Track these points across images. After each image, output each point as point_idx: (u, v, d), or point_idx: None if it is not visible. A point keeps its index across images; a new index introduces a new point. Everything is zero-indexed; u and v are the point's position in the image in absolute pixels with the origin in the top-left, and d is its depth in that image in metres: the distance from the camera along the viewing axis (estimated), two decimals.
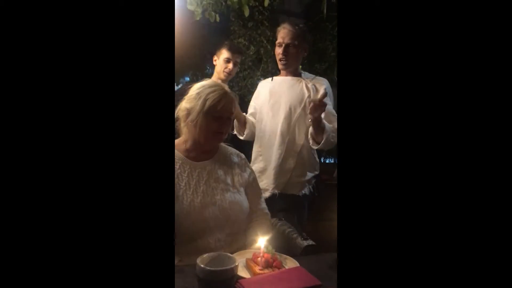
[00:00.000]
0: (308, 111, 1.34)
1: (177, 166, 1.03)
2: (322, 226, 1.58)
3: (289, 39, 1.48)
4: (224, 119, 1.04)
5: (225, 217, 1.01)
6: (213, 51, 1.93)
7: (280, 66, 1.56)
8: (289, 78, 1.56)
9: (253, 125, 1.59)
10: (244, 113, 1.60)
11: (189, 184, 1.01)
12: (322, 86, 1.51)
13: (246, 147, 1.56)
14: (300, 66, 1.65)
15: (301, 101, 1.49)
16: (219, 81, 1.77)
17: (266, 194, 1.49)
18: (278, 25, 1.60)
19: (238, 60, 1.84)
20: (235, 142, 1.43)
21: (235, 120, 1.56)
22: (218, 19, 2.08)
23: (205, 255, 0.78)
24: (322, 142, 1.39)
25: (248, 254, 0.91)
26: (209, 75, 1.99)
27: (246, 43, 2.60)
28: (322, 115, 1.35)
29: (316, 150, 1.58)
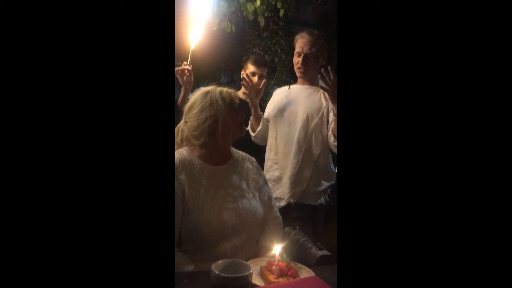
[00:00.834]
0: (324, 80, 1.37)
1: (195, 171, 1.03)
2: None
3: (308, 48, 1.50)
4: (239, 110, 1.09)
5: (242, 222, 1.01)
6: (229, 61, 1.97)
7: (298, 75, 1.57)
8: (306, 86, 1.56)
9: (266, 124, 1.57)
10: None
11: (208, 191, 1.01)
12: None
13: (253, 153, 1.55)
14: (319, 75, 1.66)
15: (318, 111, 1.49)
16: (245, 96, 1.78)
17: (282, 203, 1.47)
18: (293, 34, 1.62)
19: (264, 73, 1.82)
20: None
21: (251, 117, 1.55)
22: (233, 29, 2.13)
23: (219, 262, 0.77)
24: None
25: (262, 262, 0.91)
26: (223, 85, 2.02)
27: (261, 53, 2.64)
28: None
29: (333, 160, 1.56)
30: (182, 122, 1.09)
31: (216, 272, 0.73)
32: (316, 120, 1.48)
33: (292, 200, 1.46)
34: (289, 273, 0.84)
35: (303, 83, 1.57)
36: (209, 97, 1.04)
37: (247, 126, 1.60)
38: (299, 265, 0.91)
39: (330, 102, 1.46)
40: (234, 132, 1.07)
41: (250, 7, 2.01)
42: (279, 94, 1.61)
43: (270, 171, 1.53)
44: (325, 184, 1.54)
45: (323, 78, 1.37)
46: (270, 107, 1.61)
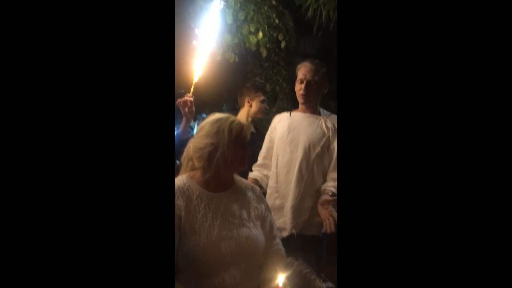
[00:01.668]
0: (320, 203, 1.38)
1: (193, 197, 1.02)
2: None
3: (311, 75, 1.53)
4: (246, 145, 1.08)
5: (241, 252, 0.98)
6: (231, 90, 2.04)
7: (301, 101, 1.58)
8: (307, 114, 1.57)
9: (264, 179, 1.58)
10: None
11: (206, 216, 0.99)
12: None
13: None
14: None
15: (320, 140, 1.50)
16: (249, 119, 1.86)
17: (284, 234, 1.43)
18: (293, 64, 1.67)
19: (265, 97, 1.99)
20: None
21: None
22: (236, 60, 2.21)
23: None
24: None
25: None
26: (226, 112, 2.08)
27: (263, 82, 2.72)
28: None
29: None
30: (191, 140, 1.10)
31: None
32: (318, 149, 1.47)
33: (294, 231, 1.42)
34: None
35: (304, 111, 1.59)
36: (217, 125, 1.04)
37: (255, 160, 1.60)
38: None
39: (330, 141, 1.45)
40: (232, 165, 1.05)
41: (253, 38, 2.10)
42: (281, 121, 1.62)
43: (271, 199, 1.50)
44: None
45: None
46: (271, 134, 1.62)
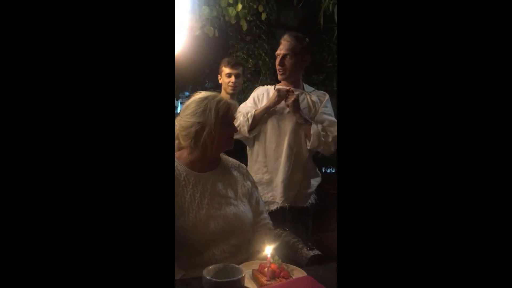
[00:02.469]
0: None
1: (181, 178, 1.03)
2: (327, 235, 1.56)
3: (286, 49, 1.51)
4: (233, 125, 1.08)
5: (230, 228, 1.00)
6: (213, 66, 1.97)
7: (278, 77, 1.58)
8: (292, 87, 1.56)
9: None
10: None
11: (193, 196, 1.00)
12: (325, 98, 1.54)
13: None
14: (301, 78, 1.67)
15: (307, 114, 1.50)
16: (228, 96, 1.81)
17: (273, 207, 1.47)
18: (276, 38, 1.63)
19: (240, 71, 1.89)
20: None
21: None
22: (216, 34, 2.12)
23: (210, 267, 0.76)
24: (312, 139, 1.44)
25: (254, 265, 0.90)
26: (208, 90, 2.02)
27: (245, 57, 2.65)
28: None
29: (316, 159, 1.58)
30: (177, 118, 1.09)
31: (207, 277, 0.71)
32: (306, 117, 1.48)
33: (286, 204, 1.46)
34: (281, 274, 0.84)
35: (287, 85, 1.58)
36: (204, 104, 1.03)
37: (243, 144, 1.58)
38: (291, 266, 0.90)
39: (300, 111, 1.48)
40: (219, 145, 1.05)
41: (232, 11, 2.01)
42: (266, 94, 1.59)
43: (259, 173, 1.52)
44: (314, 185, 1.55)
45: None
46: (255, 106, 1.58)
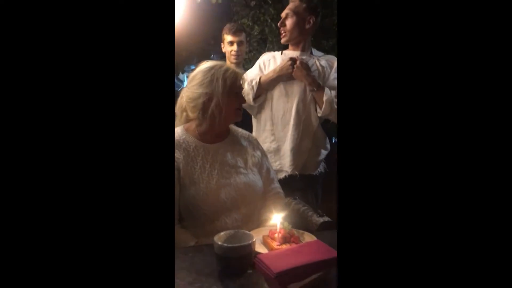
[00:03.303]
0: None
1: (190, 149, 1.03)
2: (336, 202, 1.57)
3: (287, 9, 1.44)
4: (240, 94, 1.05)
5: (241, 197, 1.01)
6: (217, 37, 1.90)
7: (281, 39, 1.50)
8: (299, 53, 1.50)
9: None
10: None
11: (203, 167, 1.01)
12: (335, 63, 1.48)
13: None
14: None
15: (316, 74, 1.45)
16: (232, 65, 1.76)
17: (281, 175, 1.46)
18: (281, 2, 1.54)
19: (242, 39, 1.81)
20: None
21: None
22: (220, 0, 2.02)
23: (221, 233, 0.78)
24: (323, 106, 1.38)
25: (264, 231, 0.92)
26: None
27: (250, 23, 2.54)
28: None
29: (325, 128, 1.55)
30: (184, 90, 1.07)
31: (219, 243, 0.73)
32: (314, 89, 1.44)
33: (296, 172, 1.45)
34: (291, 239, 0.85)
35: (294, 49, 1.51)
36: (211, 73, 1.00)
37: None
38: (301, 231, 0.92)
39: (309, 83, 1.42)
40: (227, 116, 1.03)
41: None
42: (273, 60, 1.53)
43: (266, 142, 1.50)
44: (323, 153, 1.53)
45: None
46: (259, 73, 1.52)
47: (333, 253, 0.74)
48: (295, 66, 1.39)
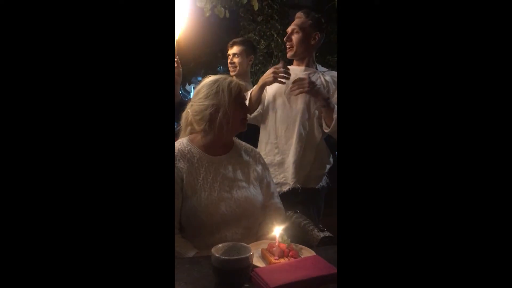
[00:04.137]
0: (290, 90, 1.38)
1: (194, 160, 1.04)
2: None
3: (294, 24, 1.46)
4: (246, 105, 1.08)
5: (241, 211, 1.01)
6: (224, 50, 1.94)
7: (287, 54, 1.52)
8: (303, 68, 1.52)
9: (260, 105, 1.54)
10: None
11: (206, 179, 1.01)
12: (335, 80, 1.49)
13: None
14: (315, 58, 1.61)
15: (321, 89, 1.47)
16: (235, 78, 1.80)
17: (285, 189, 1.46)
18: (288, 18, 1.57)
19: (236, 51, 1.82)
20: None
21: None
22: (227, 15, 2.08)
23: (220, 245, 0.77)
24: (333, 123, 1.38)
25: (263, 244, 0.91)
26: (221, 74, 1.99)
27: (257, 38, 2.59)
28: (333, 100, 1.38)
29: (330, 143, 1.55)
30: (189, 105, 1.09)
31: (216, 255, 0.73)
32: (317, 103, 1.44)
33: (298, 185, 1.44)
34: (290, 254, 0.84)
35: (298, 64, 1.54)
36: (216, 85, 1.03)
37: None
38: (300, 246, 0.91)
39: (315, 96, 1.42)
40: (234, 126, 1.05)
41: None
42: None
43: (270, 155, 1.50)
44: (326, 167, 1.53)
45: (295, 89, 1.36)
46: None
47: (332, 269, 0.73)
48: (302, 83, 1.37)
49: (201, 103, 1.03)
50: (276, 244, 0.84)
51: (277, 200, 1.16)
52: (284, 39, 1.49)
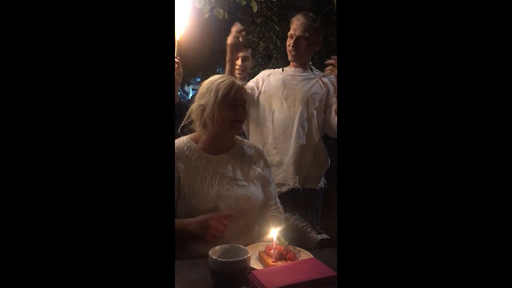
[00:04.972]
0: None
1: (193, 158, 1.03)
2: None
3: (301, 31, 1.46)
4: (238, 107, 1.05)
5: (240, 209, 1.01)
6: (223, 51, 1.93)
7: (289, 58, 1.53)
8: (300, 70, 1.53)
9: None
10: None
11: (204, 178, 1.01)
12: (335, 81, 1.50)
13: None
14: (310, 63, 1.63)
15: (317, 94, 1.48)
16: (233, 78, 1.80)
17: (284, 189, 1.46)
18: (288, 20, 1.58)
19: (247, 54, 1.84)
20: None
21: None
22: (226, 16, 2.08)
23: (217, 247, 0.77)
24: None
25: (261, 247, 0.90)
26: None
27: (256, 40, 2.60)
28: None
29: (327, 144, 1.56)
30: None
31: (213, 257, 0.72)
32: (316, 104, 1.46)
33: (299, 186, 1.44)
34: (287, 256, 0.84)
35: (296, 67, 1.54)
36: (207, 86, 1.04)
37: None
38: (298, 248, 0.90)
39: (331, 88, 1.45)
40: (222, 127, 1.03)
41: None
42: (272, 75, 1.55)
43: (269, 155, 1.48)
44: (325, 168, 1.53)
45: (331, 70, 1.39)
46: (260, 88, 1.53)
47: (329, 272, 0.72)
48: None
49: (197, 103, 1.04)
50: (274, 246, 0.84)
51: (276, 201, 1.15)
52: (291, 45, 1.47)
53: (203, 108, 1.03)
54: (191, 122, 1.09)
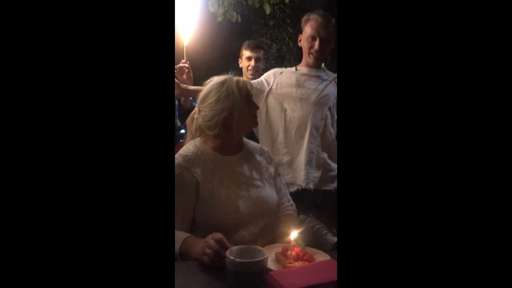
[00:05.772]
0: None
1: (209, 162, 1.03)
2: None
3: (324, 32, 1.44)
4: (254, 102, 1.09)
5: (258, 210, 1.01)
6: (236, 54, 1.95)
7: (311, 60, 1.49)
8: (314, 69, 1.51)
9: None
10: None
11: (222, 180, 1.01)
12: None
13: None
14: (323, 64, 1.61)
15: (331, 94, 1.46)
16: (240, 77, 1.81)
17: (293, 189, 1.43)
18: (300, 21, 1.55)
19: (260, 55, 1.84)
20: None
21: None
22: (239, 19, 2.10)
23: (234, 248, 0.77)
24: None
25: (277, 248, 0.90)
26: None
27: (268, 42, 2.61)
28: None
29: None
30: (195, 110, 1.08)
31: (231, 257, 0.73)
32: (329, 104, 1.44)
33: (311, 186, 1.42)
34: (304, 258, 0.83)
35: (310, 66, 1.52)
36: (225, 88, 1.01)
37: None
38: (314, 250, 0.90)
39: None
40: (248, 124, 1.07)
41: None
42: (284, 74, 1.53)
43: (279, 154, 1.46)
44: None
45: None
46: (271, 84, 1.51)
47: None
48: None
49: (213, 108, 1.01)
50: (291, 247, 0.84)
51: (290, 202, 1.15)
52: (318, 49, 1.44)
53: (231, 110, 1.01)
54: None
